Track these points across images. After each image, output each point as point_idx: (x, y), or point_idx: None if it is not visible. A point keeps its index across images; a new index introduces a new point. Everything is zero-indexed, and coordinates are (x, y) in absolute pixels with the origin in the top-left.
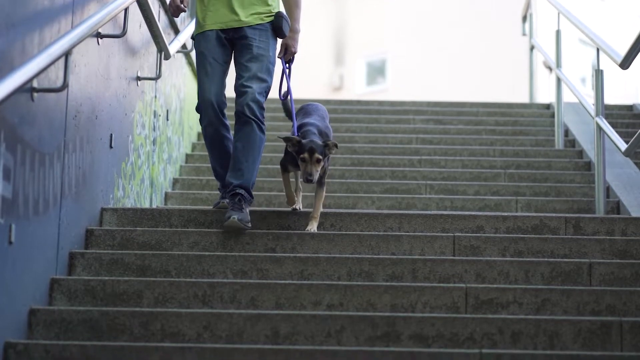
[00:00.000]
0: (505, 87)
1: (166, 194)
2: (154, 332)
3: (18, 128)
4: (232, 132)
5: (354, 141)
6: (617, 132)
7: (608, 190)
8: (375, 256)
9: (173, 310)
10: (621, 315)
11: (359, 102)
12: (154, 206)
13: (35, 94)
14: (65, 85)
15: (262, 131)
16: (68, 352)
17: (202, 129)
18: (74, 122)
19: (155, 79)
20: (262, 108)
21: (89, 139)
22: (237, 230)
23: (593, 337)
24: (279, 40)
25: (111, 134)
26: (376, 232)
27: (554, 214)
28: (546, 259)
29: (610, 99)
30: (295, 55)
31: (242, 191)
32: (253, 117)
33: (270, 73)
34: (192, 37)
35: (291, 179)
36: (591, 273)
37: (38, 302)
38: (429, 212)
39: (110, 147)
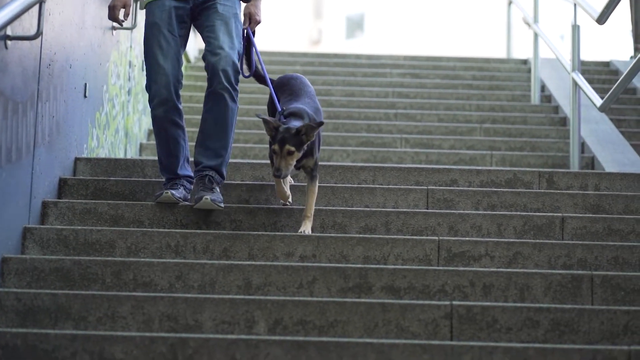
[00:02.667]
0: (482, 42)
1: (141, 144)
2: (126, 281)
3: None
4: (184, 120)
5: (330, 94)
6: (593, 88)
7: (583, 145)
8: (348, 208)
9: (145, 260)
10: (592, 269)
11: (336, 56)
12: (128, 157)
13: (8, 42)
14: (39, 34)
15: (235, 100)
16: (40, 301)
17: (151, 111)
18: (47, 70)
19: (131, 28)
20: (237, 72)
21: (62, 88)
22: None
23: (564, 290)
24: (243, 6)
25: (85, 84)
26: (350, 185)
27: (527, 169)
28: (519, 213)
29: (588, 56)
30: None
31: (211, 172)
32: (228, 85)
33: (240, 33)
34: (143, 7)
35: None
36: (563, 227)
37: (10, 251)
38: (403, 165)
39: (85, 96)
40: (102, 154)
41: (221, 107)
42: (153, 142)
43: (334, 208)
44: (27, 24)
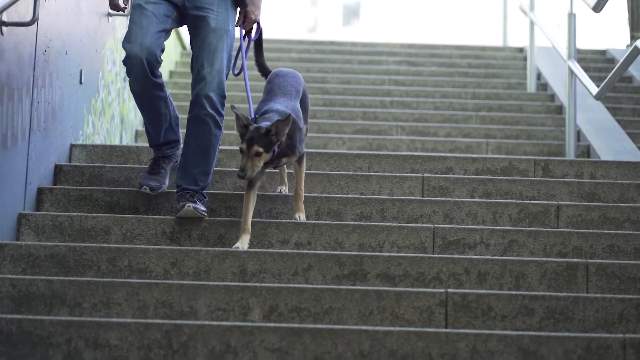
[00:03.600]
0: (478, 30)
1: (136, 131)
2: (121, 268)
3: None
4: (166, 90)
5: (326, 81)
6: (589, 76)
7: (579, 134)
8: (344, 196)
9: (141, 246)
10: (587, 257)
11: (332, 43)
12: (124, 143)
13: (4, 28)
14: (35, 19)
15: (220, 126)
16: (35, 287)
17: (129, 84)
18: (43, 57)
19: (127, 15)
20: (223, 97)
21: (58, 74)
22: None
23: (559, 278)
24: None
25: (81, 70)
26: (345, 172)
27: (523, 157)
28: (514, 201)
29: (584, 44)
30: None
31: (191, 191)
32: (212, 112)
33: (230, 51)
34: None
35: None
36: (559, 215)
37: (5, 237)
38: (398, 153)
39: (80, 83)
40: (98, 140)
41: (204, 133)
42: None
43: (329, 195)
44: (23, 10)
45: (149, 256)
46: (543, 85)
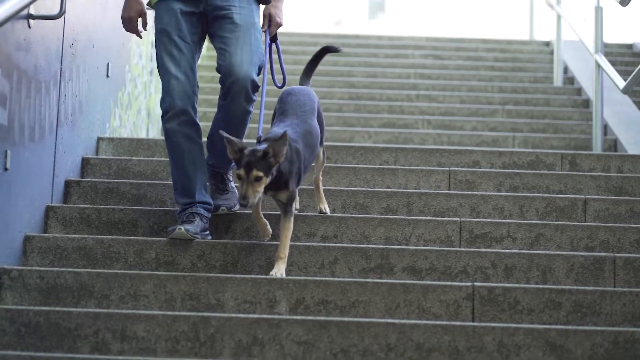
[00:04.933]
0: (505, 24)
1: (161, 128)
2: (148, 260)
3: (14, 55)
4: (201, 135)
5: (352, 75)
6: (616, 70)
7: (606, 128)
8: (370, 189)
9: (168, 239)
10: (614, 251)
11: (357, 37)
12: (150, 137)
13: (32, 21)
14: (62, 13)
15: (251, 110)
16: (62, 279)
17: (163, 126)
18: (70, 50)
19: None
20: (256, 87)
21: (85, 67)
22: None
23: (586, 272)
24: (262, 8)
25: (108, 63)
26: (372, 166)
27: (550, 150)
28: (541, 195)
29: (611, 38)
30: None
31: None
32: (246, 105)
33: (259, 44)
34: (150, 5)
35: None
36: (586, 209)
37: (33, 229)
38: (425, 147)
39: (107, 76)
40: (125, 133)
41: (235, 114)
42: None
43: (355, 189)
44: (50, 3)
45: (176, 249)
46: (570, 79)
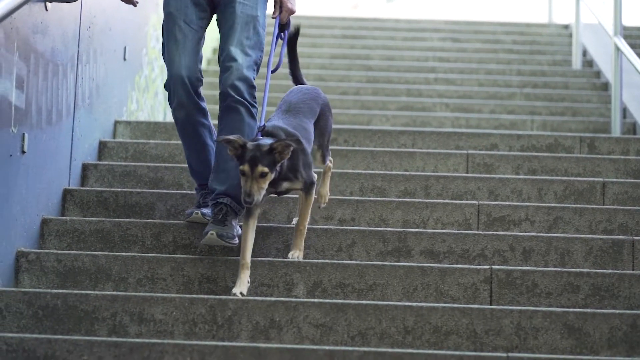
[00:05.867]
0: (523, 7)
1: None
2: (165, 243)
3: (31, 38)
4: (210, 118)
5: (369, 58)
6: (636, 53)
7: (625, 111)
8: (388, 172)
9: (185, 222)
10: (633, 234)
11: (375, 20)
12: (167, 120)
13: (48, 4)
14: None
15: (253, 116)
16: (80, 262)
17: (172, 111)
18: (87, 33)
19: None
20: (252, 86)
21: (102, 50)
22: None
23: (604, 255)
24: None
25: (125, 47)
26: (389, 149)
27: (568, 133)
28: (560, 178)
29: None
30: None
31: (227, 200)
32: (240, 99)
33: (260, 40)
34: None
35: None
36: (604, 192)
37: (50, 212)
38: (442, 130)
39: (124, 59)
40: (142, 117)
41: (234, 120)
42: None
43: (373, 172)
44: None
45: (193, 231)
46: (589, 62)
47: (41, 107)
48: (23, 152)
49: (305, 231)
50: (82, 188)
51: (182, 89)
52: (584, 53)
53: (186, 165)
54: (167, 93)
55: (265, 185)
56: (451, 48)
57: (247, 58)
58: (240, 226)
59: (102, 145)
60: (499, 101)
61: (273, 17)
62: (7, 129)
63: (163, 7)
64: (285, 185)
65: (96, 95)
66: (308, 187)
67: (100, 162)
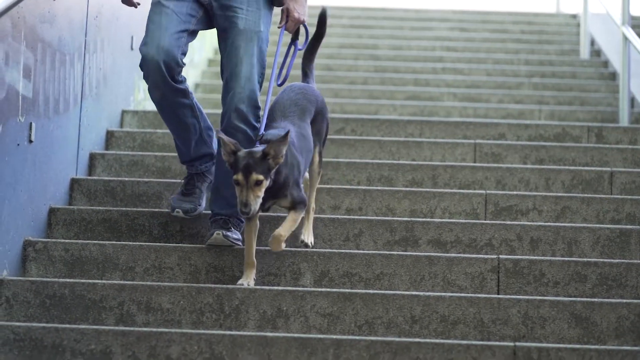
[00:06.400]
0: None
1: None
2: (173, 233)
3: (39, 27)
4: (193, 96)
5: (377, 48)
6: None
7: (633, 100)
8: (395, 162)
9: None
10: None
11: (383, 9)
12: None
13: None
14: None
15: (253, 141)
16: (87, 251)
17: (147, 90)
18: (95, 22)
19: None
20: (256, 107)
21: (110, 40)
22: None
23: (612, 245)
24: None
25: (132, 36)
26: (397, 138)
27: (576, 123)
28: (567, 167)
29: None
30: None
31: (225, 217)
32: (243, 125)
33: (262, 56)
34: None
35: None
36: (612, 182)
37: (58, 202)
38: (450, 119)
39: (132, 49)
40: (149, 106)
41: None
42: (200, 94)
43: (380, 161)
44: None
45: (200, 221)
46: (597, 52)
47: (48, 97)
48: (30, 141)
49: (283, 241)
50: (89, 177)
51: (156, 74)
52: (592, 42)
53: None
54: None
55: (262, 194)
56: (459, 37)
57: (250, 76)
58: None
59: (110, 135)
60: (507, 91)
61: (279, 27)
62: (15, 118)
63: None
64: (270, 202)
65: (103, 84)
66: (298, 202)
67: (108, 152)
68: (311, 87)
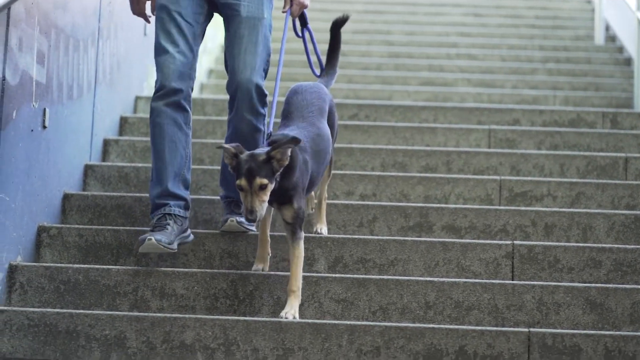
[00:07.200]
0: None
1: (201, 84)
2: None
3: (52, 13)
4: (190, 127)
5: (390, 33)
6: None
7: None
8: (409, 148)
9: (206, 197)
10: None
11: None
12: None
13: None
14: None
15: (260, 130)
16: (101, 237)
17: (150, 110)
18: (108, 8)
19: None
20: (262, 94)
21: (123, 26)
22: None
23: (627, 230)
24: None
25: (145, 23)
26: (411, 124)
27: (591, 109)
28: (582, 153)
29: None
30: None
31: (237, 200)
32: (250, 116)
33: (267, 43)
34: None
35: None
36: (627, 167)
37: (72, 188)
38: (464, 105)
39: (145, 35)
40: None
41: (244, 136)
42: (213, 80)
43: (394, 147)
44: None
45: (214, 207)
46: (611, 37)
47: (62, 83)
48: (44, 127)
49: (300, 293)
50: (103, 163)
51: (173, 82)
52: (607, 28)
53: (206, 140)
54: None
55: (267, 198)
56: (473, 23)
57: (255, 64)
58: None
59: (123, 121)
60: (521, 76)
61: (283, 12)
62: (28, 104)
63: (157, 0)
64: (279, 208)
65: (117, 70)
66: (298, 225)
67: (121, 138)
68: (320, 85)
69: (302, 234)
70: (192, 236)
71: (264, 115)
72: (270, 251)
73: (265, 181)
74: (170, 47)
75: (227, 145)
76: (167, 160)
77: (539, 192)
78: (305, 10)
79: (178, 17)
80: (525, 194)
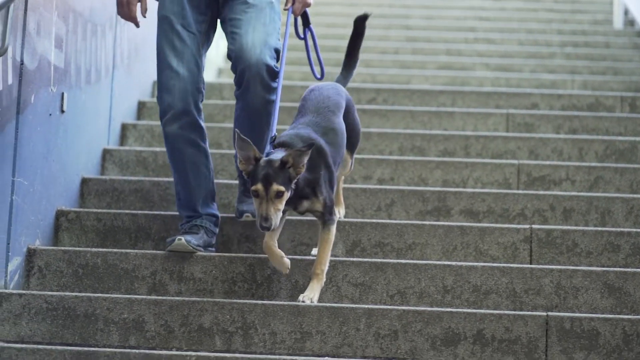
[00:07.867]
0: None
1: (219, 68)
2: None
3: None
4: (207, 142)
5: (409, 17)
6: None
7: None
8: (427, 132)
9: (224, 181)
10: None
11: None
12: (206, 80)
13: None
14: None
15: (272, 100)
16: (120, 221)
17: (162, 129)
18: None
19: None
20: (273, 73)
21: None
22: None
23: None
24: None
25: None
26: (429, 108)
27: (610, 93)
28: (601, 137)
29: None
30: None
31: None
32: (264, 93)
33: (276, 27)
34: None
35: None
36: None
37: (90, 172)
38: (482, 89)
39: None
40: None
41: (254, 119)
42: (226, 80)
43: (412, 131)
44: None
45: (232, 191)
46: (630, 21)
47: (80, 67)
48: (62, 111)
49: (324, 278)
50: (121, 148)
51: (179, 101)
52: (626, 12)
53: (224, 124)
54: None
55: (282, 207)
56: (491, 7)
57: (267, 44)
58: None
59: (141, 105)
60: (540, 60)
61: (285, 9)
62: (47, 88)
63: (157, 10)
64: (306, 205)
65: (135, 55)
66: (328, 211)
67: (139, 122)
68: (337, 85)
69: (334, 218)
70: (214, 250)
71: (276, 88)
72: (284, 254)
73: (282, 189)
74: (174, 63)
75: (249, 143)
76: (193, 186)
77: (557, 177)
78: (308, 10)
79: (181, 28)
80: (543, 178)
